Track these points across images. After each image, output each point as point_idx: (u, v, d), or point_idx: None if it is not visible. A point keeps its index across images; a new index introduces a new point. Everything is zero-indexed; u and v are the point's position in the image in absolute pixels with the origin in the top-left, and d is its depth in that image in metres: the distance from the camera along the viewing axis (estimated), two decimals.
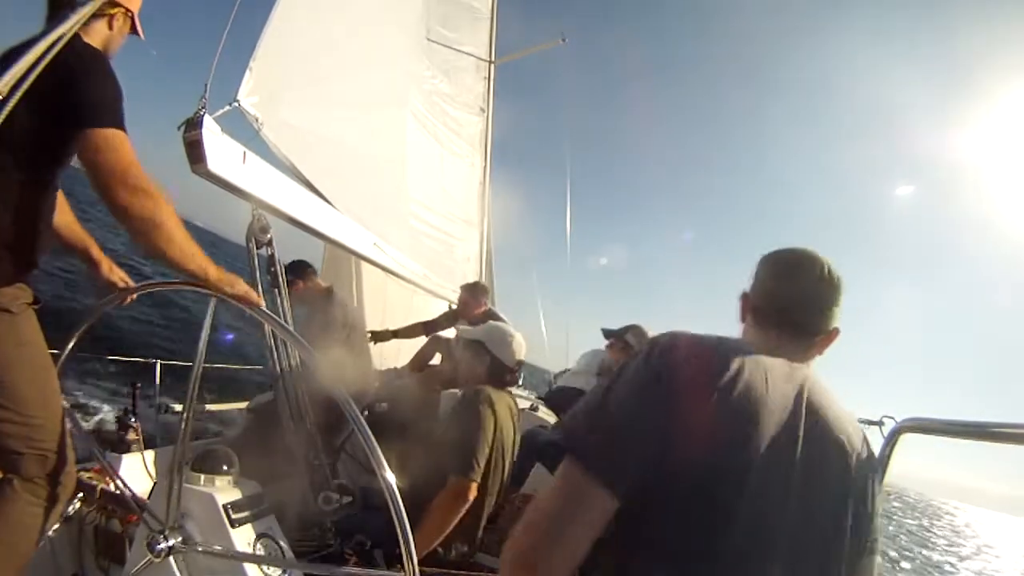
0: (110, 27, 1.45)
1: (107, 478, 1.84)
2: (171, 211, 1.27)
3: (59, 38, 1.14)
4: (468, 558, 1.87)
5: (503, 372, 2.08)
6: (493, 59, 5.10)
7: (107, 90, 1.27)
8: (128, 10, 1.48)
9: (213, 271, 1.38)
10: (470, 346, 2.12)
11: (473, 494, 1.78)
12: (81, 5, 1.23)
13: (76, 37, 1.32)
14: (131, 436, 2.24)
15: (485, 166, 4.90)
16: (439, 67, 4.24)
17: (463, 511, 1.77)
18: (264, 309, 1.52)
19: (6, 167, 1.23)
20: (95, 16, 1.38)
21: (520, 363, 2.12)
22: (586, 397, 0.80)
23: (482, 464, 1.81)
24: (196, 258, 1.33)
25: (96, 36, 1.42)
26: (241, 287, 1.45)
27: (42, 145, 1.25)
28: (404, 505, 1.24)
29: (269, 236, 1.86)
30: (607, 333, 3.00)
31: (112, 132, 1.23)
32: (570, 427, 0.79)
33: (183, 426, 1.38)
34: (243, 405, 3.26)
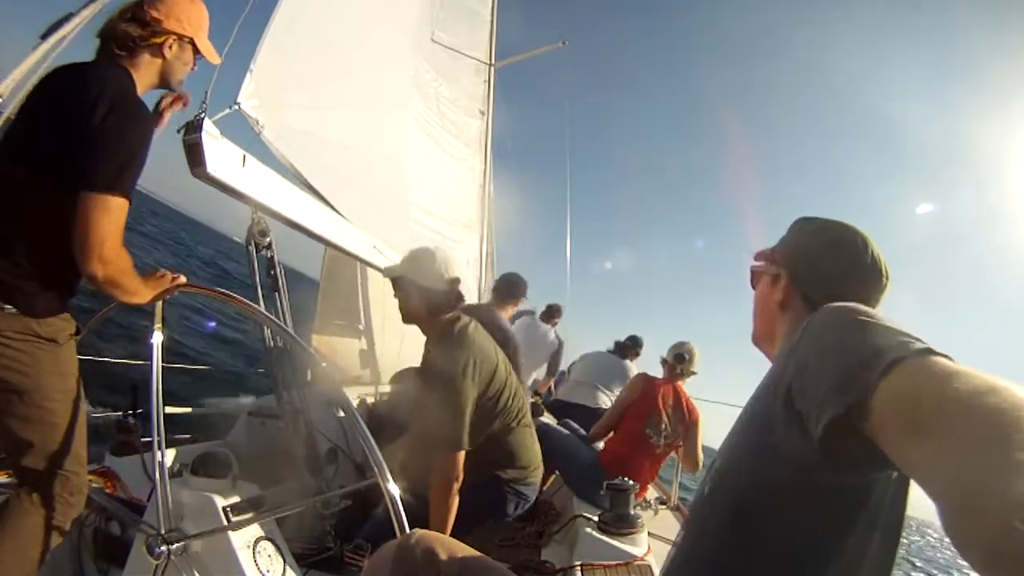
0: (162, 56, 1.38)
1: (106, 481, 1.84)
2: (131, 272, 1.32)
3: (60, 41, 1.15)
4: None
5: (441, 300, 1.87)
6: (493, 62, 5.11)
7: (119, 146, 1.22)
8: (182, 36, 1.40)
9: (146, 293, 1.41)
10: (397, 286, 1.93)
11: (460, 465, 1.75)
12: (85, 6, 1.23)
13: (123, 73, 1.31)
14: (130, 439, 2.24)
15: (485, 169, 4.90)
16: (439, 70, 4.25)
17: (458, 484, 1.76)
18: (226, 292, 1.55)
19: (51, 196, 1.23)
20: (140, 47, 1.33)
21: (456, 280, 1.89)
22: None
23: (466, 426, 1.76)
24: (137, 296, 1.38)
25: (145, 70, 1.37)
26: (161, 282, 1.48)
27: (73, 174, 1.22)
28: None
29: (269, 239, 1.86)
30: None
31: (103, 199, 1.20)
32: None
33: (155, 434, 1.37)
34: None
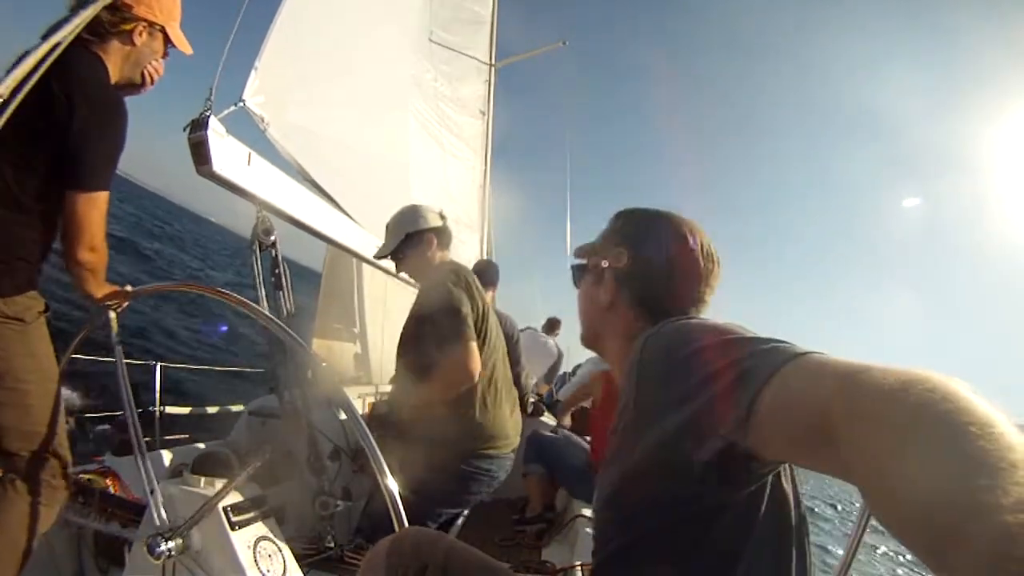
0: (131, 43, 1.34)
1: (106, 480, 1.84)
2: (105, 261, 1.36)
3: (60, 42, 1.14)
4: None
5: (446, 231, 1.99)
6: (494, 62, 5.11)
7: (104, 146, 1.24)
8: (153, 23, 1.36)
9: (100, 294, 1.43)
10: (404, 251, 1.95)
11: (477, 356, 1.70)
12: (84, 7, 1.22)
13: (96, 62, 1.29)
14: (130, 438, 2.23)
15: (485, 169, 4.91)
16: (440, 70, 4.26)
17: (472, 376, 1.70)
18: (240, 297, 1.54)
19: (23, 177, 1.22)
20: (110, 33, 1.31)
21: (442, 216, 2.03)
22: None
23: (469, 320, 1.72)
24: (102, 288, 1.42)
25: (116, 56, 1.33)
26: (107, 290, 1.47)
27: (52, 164, 1.24)
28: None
29: (273, 238, 1.86)
30: None
31: (93, 196, 1.24)
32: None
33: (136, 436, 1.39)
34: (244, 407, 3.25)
